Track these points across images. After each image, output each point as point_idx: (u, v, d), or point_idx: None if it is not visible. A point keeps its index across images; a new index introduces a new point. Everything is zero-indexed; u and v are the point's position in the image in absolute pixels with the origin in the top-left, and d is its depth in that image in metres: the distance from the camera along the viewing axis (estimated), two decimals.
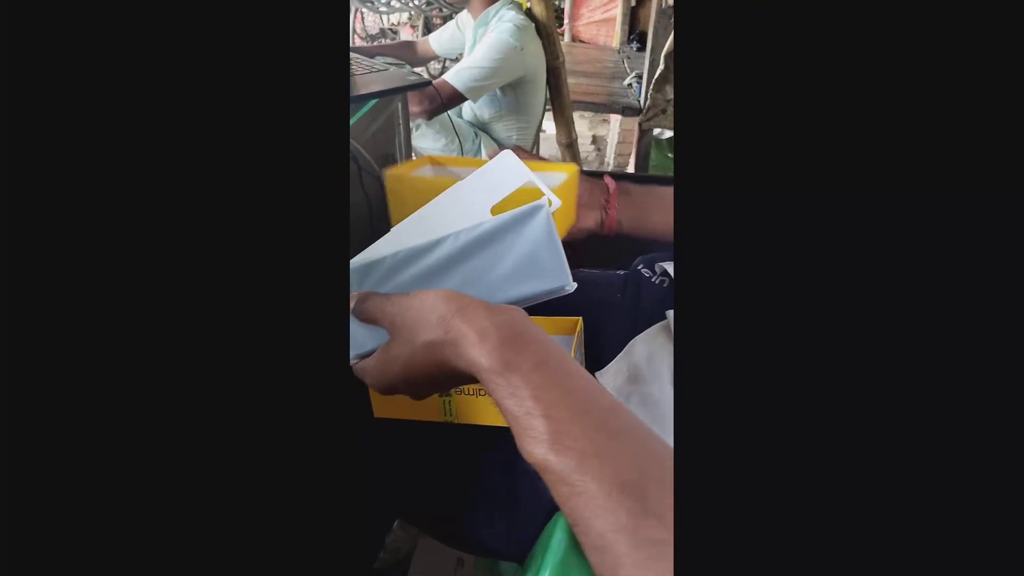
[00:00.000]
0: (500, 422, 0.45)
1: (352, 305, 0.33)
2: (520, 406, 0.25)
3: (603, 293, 0.55)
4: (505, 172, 0.37)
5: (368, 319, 0.33)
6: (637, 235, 0.56)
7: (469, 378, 0.28)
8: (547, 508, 0.40)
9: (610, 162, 2.16)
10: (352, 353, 0.35)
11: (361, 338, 0.34)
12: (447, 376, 0.29)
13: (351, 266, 0.36)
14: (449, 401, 0.45)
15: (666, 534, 0.21)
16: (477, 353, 0.26)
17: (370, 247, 0.38)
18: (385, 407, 0.48)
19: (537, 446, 0.24)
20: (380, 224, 0.81)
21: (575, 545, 0.31)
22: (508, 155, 0.37)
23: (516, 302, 0.33)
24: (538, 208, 0.34)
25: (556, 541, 0.32)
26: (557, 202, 0.35)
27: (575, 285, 0.33)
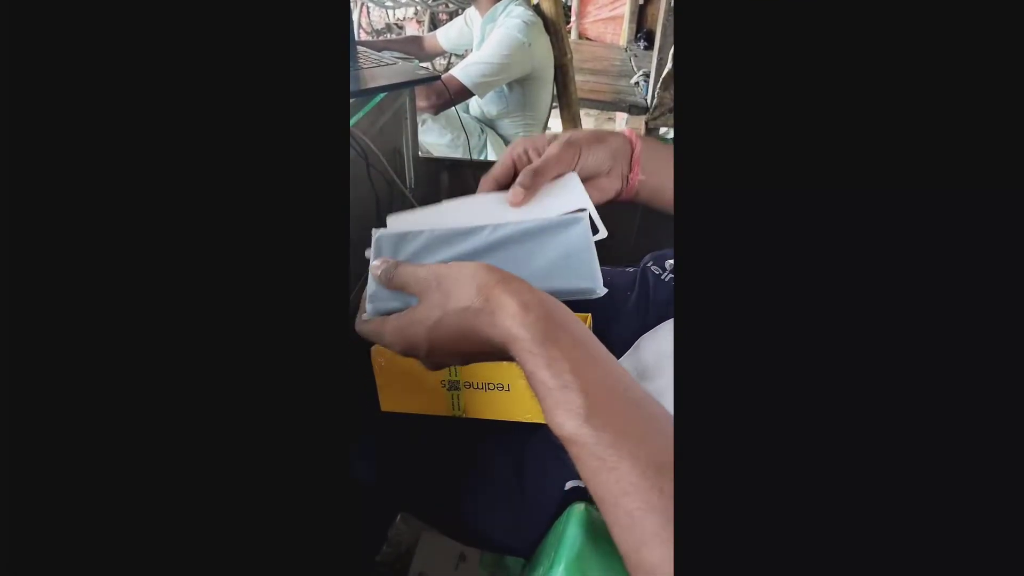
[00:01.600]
0: (509, 417, 0.45)
1: (380, 271, 0.33)
2: (558, 378, 0.25)
3: (613, 290, 0.55)
4: (565, 192, 0.38)
5: (398, 285, 0.32)
6: (653, 205, 0.49)
7: (494, 351, 0.28)
8: (555, 503, 0.40)
9: None
10: (370, 307, 0.34)
11: (384, 296, 0.33)
12: (473, 346, 0.29)
13: (384, 234, 0.36)
14: (458, 395, 0.45)
15: None
16: (517, 324, 0.26)
17: (406, 215, 0.38)
18: (392, 401, 0.48)
19: (572, 418, 0.24)
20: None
21: (590, 540, 0.31)
22: (574, 178, 0.39)
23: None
24: (579, 219, 0.35)
25: (571, 536, 0.32)
26: (603, 232, 0.36)
27: (605, 291, 0.33)
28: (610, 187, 0.42)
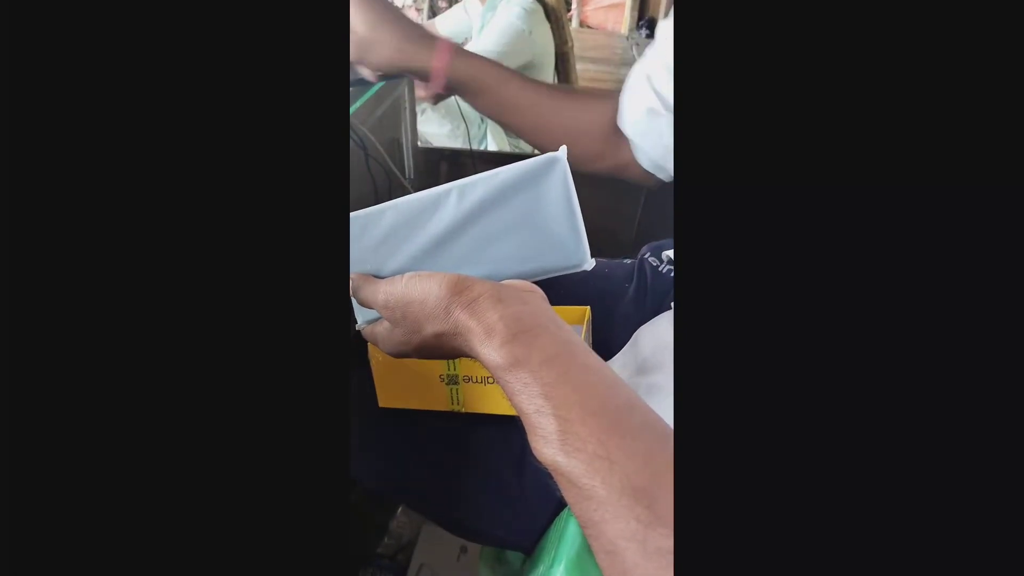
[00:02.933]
0: (507, 411, 0.45)
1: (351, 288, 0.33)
2: (530, 403, 0.24)
3: (610, 282, 0.54)
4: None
5: (362, 303, 0.33)
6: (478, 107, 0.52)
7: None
8: (555, 499, 0.40)
9: None
10: (360, 319, 0.34)
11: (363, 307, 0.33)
12: (463, 355, 0.29)
13: (352, 216, 0.34)
14: (456, 390, 0.45)
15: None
16: (485, 349, 0.26)
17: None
18: (390, 397, 0.47)
19: (547, 446, 0.23)
20: None
21: None
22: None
23: (525, 278, 0.31)
24: (554, 161, 0.29)
25: (571, 534, 0.32)
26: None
27: (594, 263, 0.31)
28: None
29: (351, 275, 0.33)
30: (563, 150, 0.30)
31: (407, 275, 0.30)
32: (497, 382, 0.26)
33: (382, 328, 0.32)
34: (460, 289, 0.27)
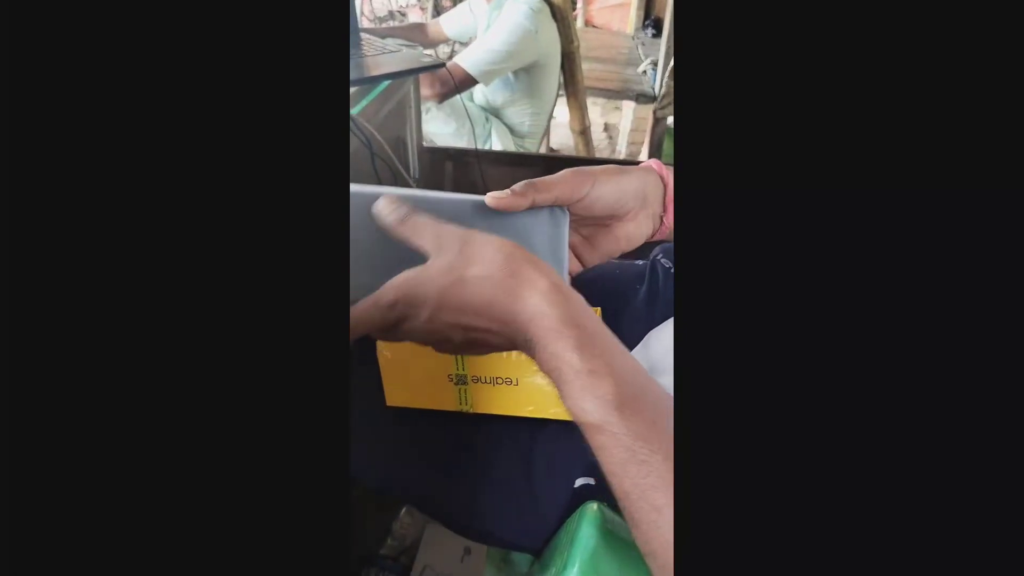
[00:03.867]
0: (515, 412, 0.44)
1: (390, 212, 0.29)
2: (587, 361, 0.24)
3: (621, 283, 0.54)
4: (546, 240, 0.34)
5: (406, 234, 0.29)
6: None
7: (505, 329, 0.26)
8: (564, 501, 0.39)
9: (622, 150, 2.14)
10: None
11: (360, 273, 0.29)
12: (483, 319, 0.27)
13: (364, 191, 0.31)
14: (465, 390, 0.44)
15: None
16: (546, 301, 0.26)
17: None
18: (397, 395, 0.47)
19: (600, 405, 0.23)
20: None
21: (604, 541, 0.31)
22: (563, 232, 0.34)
23: None
24: (563, 215, 0.34)
25: (584, 536, 0.31)
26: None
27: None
28: (638, 232, 0.36)
29: (395, 200, 0.29)
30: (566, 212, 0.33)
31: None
32: (543, 336, 0.25)
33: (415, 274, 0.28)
34: (522, 249, 0.28)
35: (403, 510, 0.81)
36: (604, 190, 0.33)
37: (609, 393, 0.23)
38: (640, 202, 0.35)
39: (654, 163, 0.37)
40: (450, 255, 0.27)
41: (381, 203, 0.29)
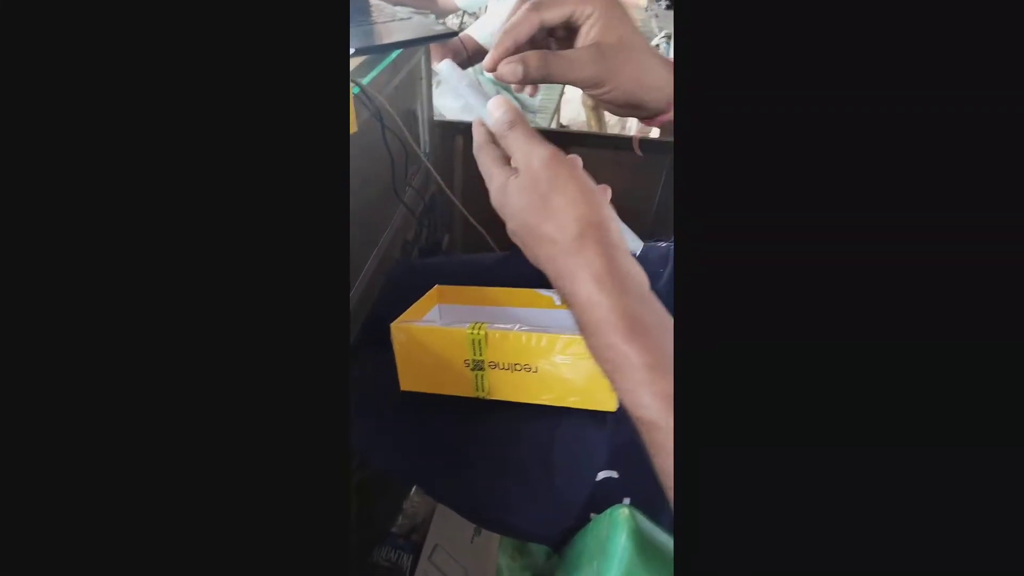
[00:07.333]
0: (534, 399, 0.43)
1: (499, 116, 0.28)
2: (644, 355, 0.23)
3: (645, 264, 0.52)
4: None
5: (505, 142, 0.28)
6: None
7: (564, 286, 0.26)
8: (585, 494, 0.38)
9: (632, 126, 2.09)
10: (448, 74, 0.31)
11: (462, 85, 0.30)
12: (546, 266, 0.27)
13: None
14: (482, 376, 0.43)
15: None
16: (599, 289, 0.25)
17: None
18: (412, 380, 0.45)
19: (658, 401, 0.22)
20: (401, 185, 0.78)
21: (640, 551, 0.29)
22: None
23: None
24: None
25: (618, 546, 0.30)
26: (637, 245, 0.32)
27: (641, 244, 0.31)
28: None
29: (508, 109, 0.28)
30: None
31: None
32: (593, 323, 0.24)
33: (502, 174, 0.28)
34: (600, 210, 0.26)
35: (413, 488, 0.80)
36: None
37: (667, 390, 0.22)
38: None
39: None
40: (531, 192, 0.27)
41: (495, 103, 0.29)
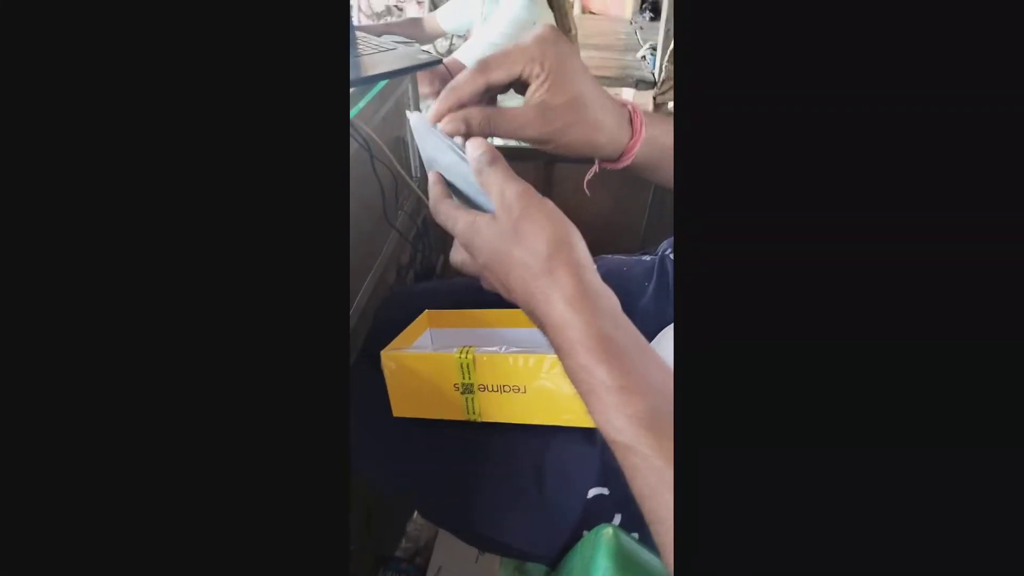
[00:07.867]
0: (525, 419, 0.44)
1: (479, 155, 0.28)
2: (616, 377, 0.23)
3: (629, 281, 0.53)
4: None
5: (481, 178, 0.29)
6: (648, 176, 0.38)
7: (541, 320, 0.26)
8: (577, 511, 0.39)
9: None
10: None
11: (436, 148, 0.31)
12: (522, 301, 0.27)
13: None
14: (472, 399, 0.44)
15: None
16: (572, 310, 0.25)
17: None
18: (404, 406, 0.46)
19: (631, 424, 0.22)
20: (393, 212, 0.79)
21: (620, 570, 0.30)
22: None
23: None
24: None
25: (600, 567, 0.30)
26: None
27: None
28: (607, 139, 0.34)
29: (487, 150, 0.29)
30: None
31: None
32: (565, 345, 0.25)
33: (469, 214, 0.29)
34: (569, 236, 0.27)
35: (416, 512, 0.80)
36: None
37: (641, 411, 0.22)
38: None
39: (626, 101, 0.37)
40: (503, 222, 0.27)
41: (473, 143, 0.29)
